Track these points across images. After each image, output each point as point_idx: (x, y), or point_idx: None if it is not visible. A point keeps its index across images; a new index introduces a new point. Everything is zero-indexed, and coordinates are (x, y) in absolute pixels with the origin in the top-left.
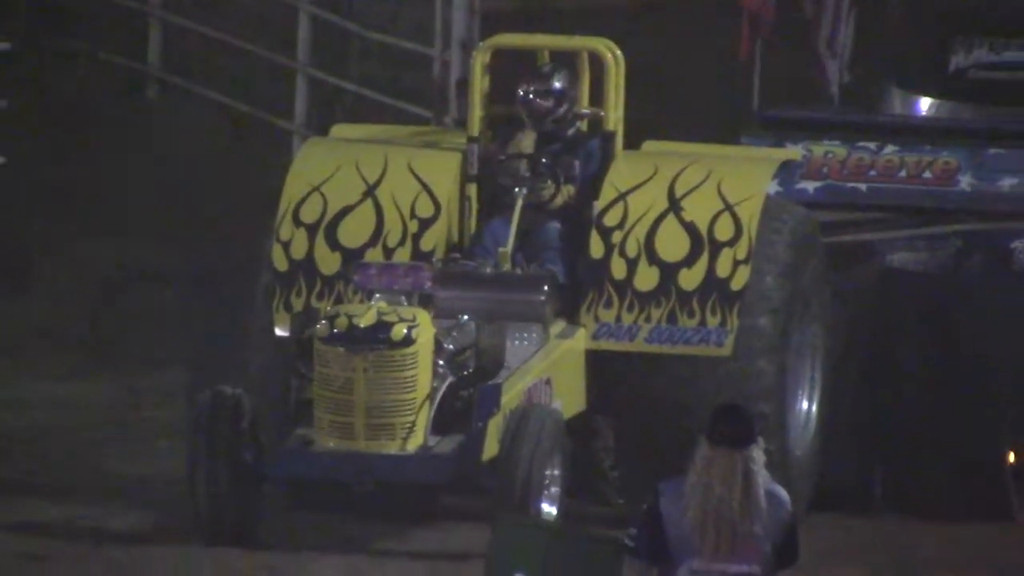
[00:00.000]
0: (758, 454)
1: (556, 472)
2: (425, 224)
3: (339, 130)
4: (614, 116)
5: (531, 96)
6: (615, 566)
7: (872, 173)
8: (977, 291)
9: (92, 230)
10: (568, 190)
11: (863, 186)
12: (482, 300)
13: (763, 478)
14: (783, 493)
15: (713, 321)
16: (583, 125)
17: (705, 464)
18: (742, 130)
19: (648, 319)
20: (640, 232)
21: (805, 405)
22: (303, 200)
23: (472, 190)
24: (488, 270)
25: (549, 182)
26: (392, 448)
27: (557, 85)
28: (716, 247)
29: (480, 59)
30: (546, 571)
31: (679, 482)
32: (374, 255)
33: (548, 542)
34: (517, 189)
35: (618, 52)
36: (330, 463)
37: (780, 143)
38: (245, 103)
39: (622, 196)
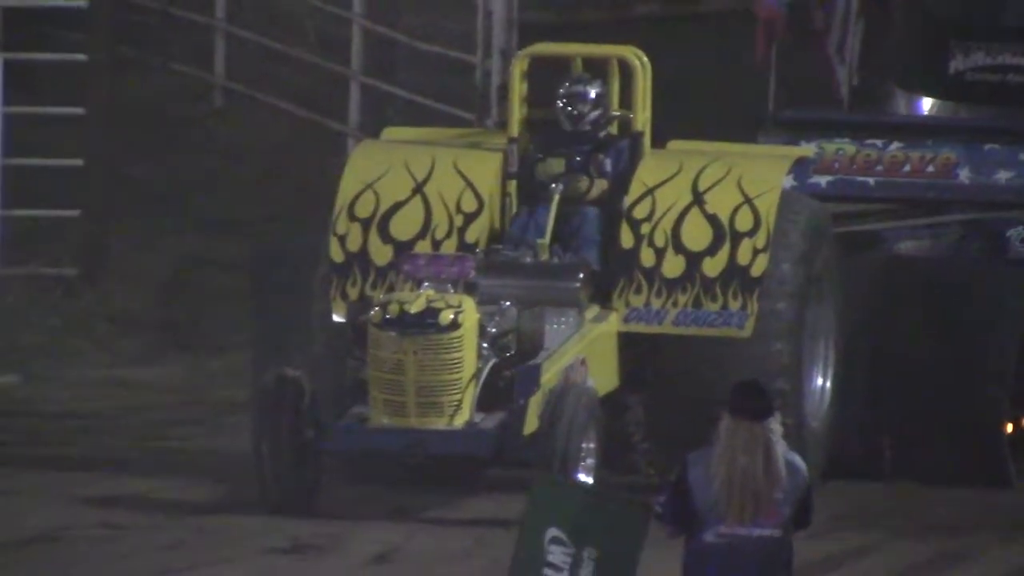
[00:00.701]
0: (776, 426)
1: (591, 445)
2: (469, 218)
3: (390, 132)
4: (642, 117)
5: (569, 102)
6: (642, 528)
7: (879, 168)
8: (975, 275)
9: (164, 223)
10: (600, 185)
11: (871, 180)
12: (522, 287)
13: (782, 448)
14: (800, 461)
15: (735, 305)
16: (613, 126)
17: (729, 436)
18: (759, 130)
19: (675, 304)
20: (667, 224)
21: (819, 381)
22: (357, 197)
23: (512, 186)
24: (528, 260)
25: (583, 178)
26: (440, 424)
27: (593, 92)
28: (737, 237)
29: (519, 66)
30: (578, 528)
31: (705, 453)
32: (423, 247)
33: (581, 501)
34: (554, 185)
35: (644, 59)
36: (383, 438)
37: (794, 141)
38: (303, 108)
39: (650, 191)
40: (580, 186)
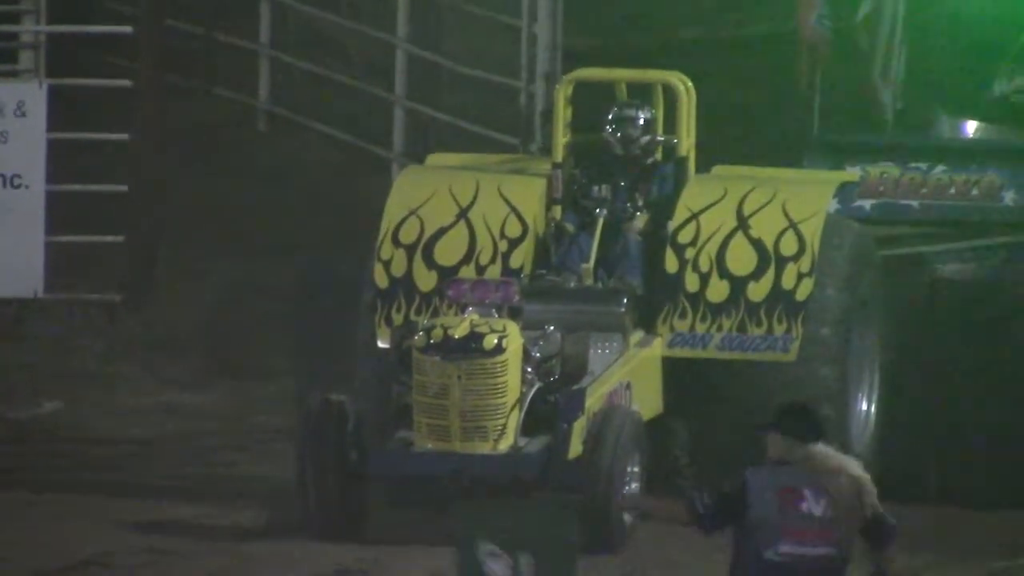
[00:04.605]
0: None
1: (636, 469)
2: (514, 243)
3: (434, 158)
4: (687, 142)
5: (619, 126)
6: (571, 525)
7: (923, 191)
8: (1020, 298)
9: (208, 249)
10: (644, 211)
11: (915, 203)
12: (567, 312)
13: (835, 462)
14: (852, 469)
15: (779, 329)
16: (658, 151)
17: (787, 456)
18: (804, 154)
19: (719, 328)
20: (711, 248)
21: (864, 406)
22: (402, 223)
23: (557, 212)
24: (572, 284)
25: (627, 204)
26: (485, 448)
27: (643, 116)
28: (782, 261)
29: (563, 91)
30: (506, 536)
31: (763, 470)
32: (467, 272)
33: (505, 512)
34: (598, 210)
35: (689, 84)
36: (428, 463)
37: (839, 165)
38: (347, 133)
39: (694, 216)
40: (624, 212)
